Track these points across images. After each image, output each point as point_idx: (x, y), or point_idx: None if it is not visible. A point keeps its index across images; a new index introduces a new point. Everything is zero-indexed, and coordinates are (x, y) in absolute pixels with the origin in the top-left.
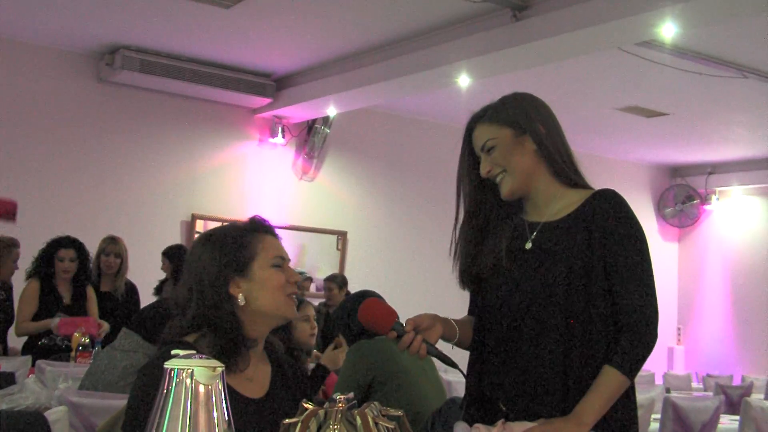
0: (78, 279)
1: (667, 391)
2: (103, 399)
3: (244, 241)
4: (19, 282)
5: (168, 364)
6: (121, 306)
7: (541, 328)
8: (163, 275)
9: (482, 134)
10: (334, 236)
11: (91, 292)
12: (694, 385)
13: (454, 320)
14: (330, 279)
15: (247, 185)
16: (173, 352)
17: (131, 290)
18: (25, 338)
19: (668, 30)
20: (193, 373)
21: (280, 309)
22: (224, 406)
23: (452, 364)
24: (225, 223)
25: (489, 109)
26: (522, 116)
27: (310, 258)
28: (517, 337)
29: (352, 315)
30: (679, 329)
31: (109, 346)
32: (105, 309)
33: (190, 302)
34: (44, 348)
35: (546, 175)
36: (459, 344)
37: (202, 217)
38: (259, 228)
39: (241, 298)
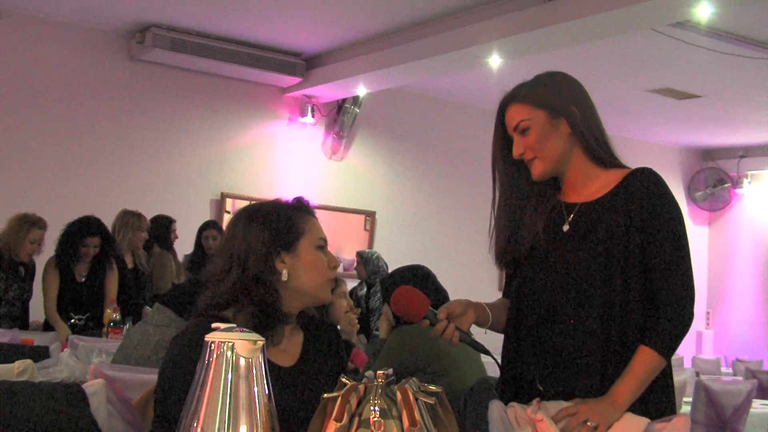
0: (98, 259)
1: (697, 375)
2: (137, 373)
3: (293, 219)
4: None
5: (209, 337)
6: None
7: (579, 310)
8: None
9: (516, 114)
10: (362, 216)
11: (112, 270)
12: (723, 369)
13: (486, 304)
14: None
15: (277, 164)
16: (214, 325)
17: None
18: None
19: (704, 10)
20: (234, 346)
21: (319, 291)
22: (264, 379)
23: (485, 351)
24: (264, 200)
25: (523, 89)
26: (557, 98)
27: (338, 238)
28: (555, 318)
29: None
30: (708, 313)
31: (141, 321)
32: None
33: (230, 272)
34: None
35: (581, 156)
36: (492, 328)
37: (231, 196)
38: (304, 209)
39: (284, 274)
